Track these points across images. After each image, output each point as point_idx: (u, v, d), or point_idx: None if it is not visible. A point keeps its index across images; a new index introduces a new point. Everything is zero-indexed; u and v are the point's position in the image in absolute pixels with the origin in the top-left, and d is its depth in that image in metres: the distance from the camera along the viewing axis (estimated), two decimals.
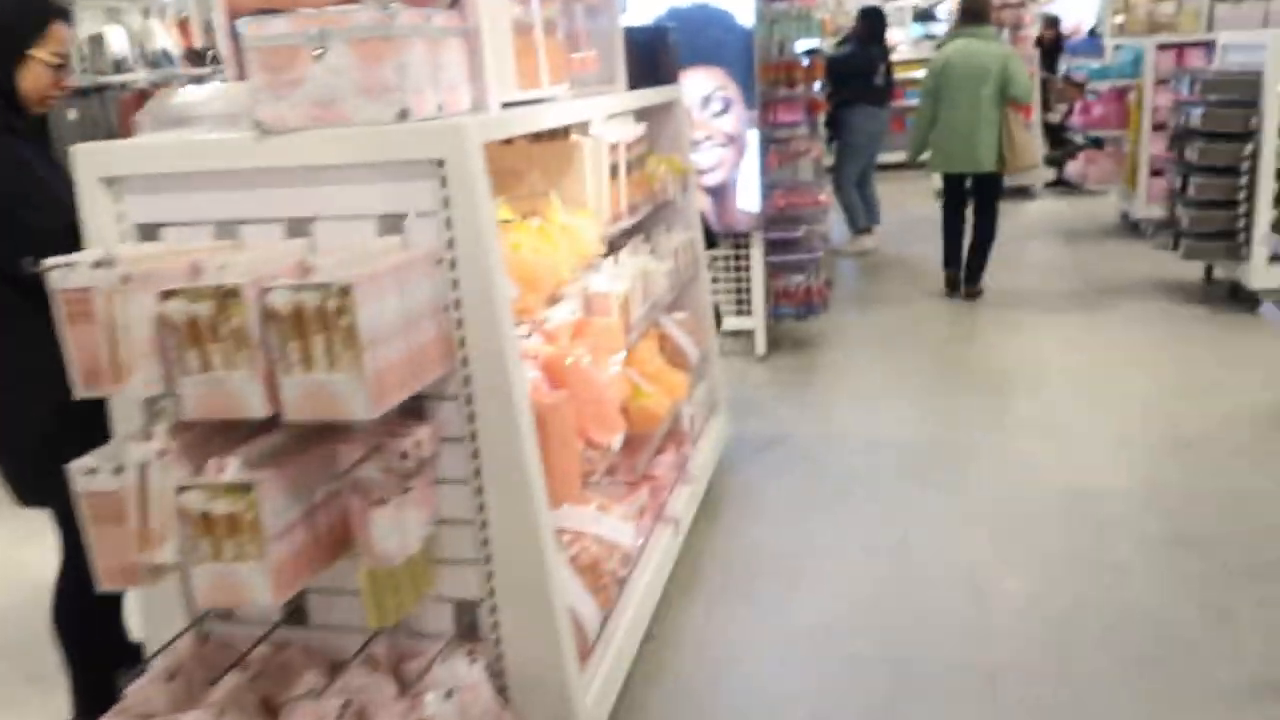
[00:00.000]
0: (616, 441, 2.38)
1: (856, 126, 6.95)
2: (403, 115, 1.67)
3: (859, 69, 6.86)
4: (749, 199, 4.77)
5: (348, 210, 1.75)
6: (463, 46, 1.92)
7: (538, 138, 2.45)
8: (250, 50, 1.68)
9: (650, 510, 2.73)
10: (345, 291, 1.46)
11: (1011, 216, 6.49)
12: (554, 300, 2.31)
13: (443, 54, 1.82)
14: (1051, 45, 10.26)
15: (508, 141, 2.44)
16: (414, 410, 1.79)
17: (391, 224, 1.74)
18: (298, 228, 1.78)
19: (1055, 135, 9.52)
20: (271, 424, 1.62)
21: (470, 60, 1.95)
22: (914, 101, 10.77)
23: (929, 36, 13.88)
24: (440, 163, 1.67)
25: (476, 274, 1.72)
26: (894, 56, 7.88)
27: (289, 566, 1.61)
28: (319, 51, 1.65)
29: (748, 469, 3.72)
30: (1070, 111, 8.99)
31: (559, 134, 2.50)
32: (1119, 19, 8.45)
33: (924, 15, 15.22)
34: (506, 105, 2.02)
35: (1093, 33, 11.11)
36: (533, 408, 1.84)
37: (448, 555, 1.87)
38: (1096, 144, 8.26)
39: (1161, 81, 6.80)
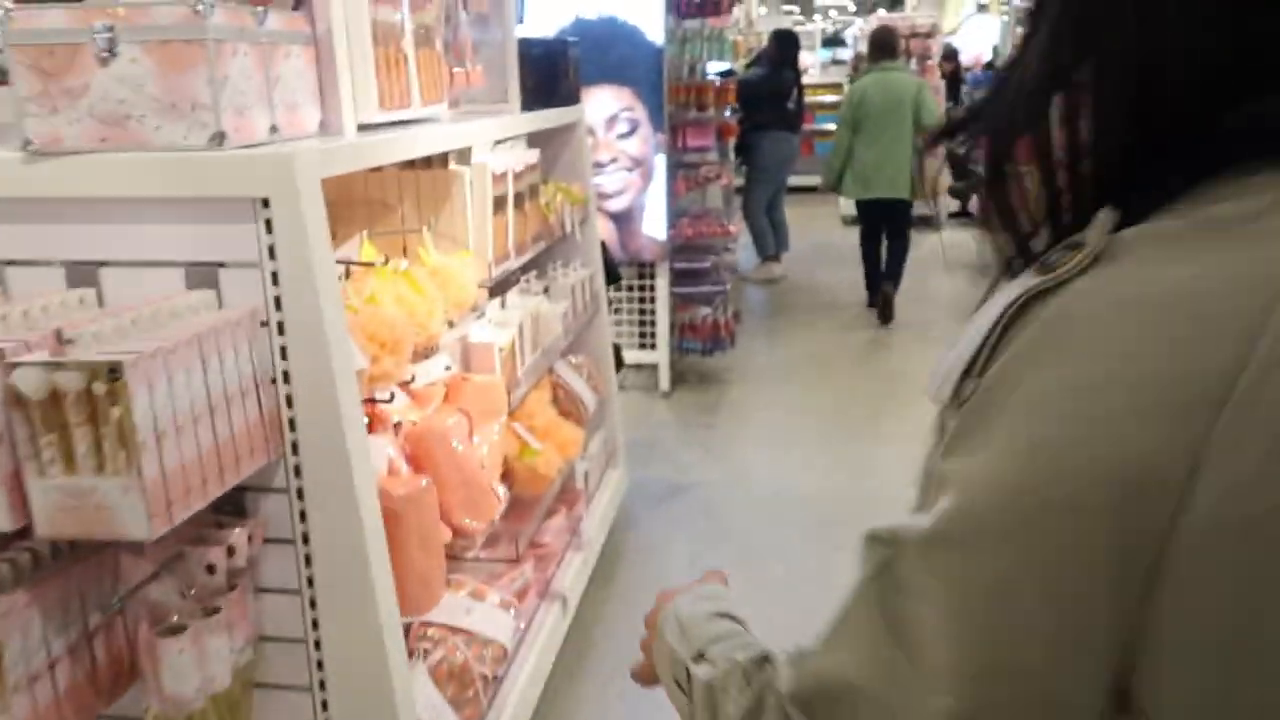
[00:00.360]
0: (498, 512, 2.06)
1: (768, 151, 6.78)
2: (217, 140, 1.32)
3: (772, 93, 6.69)
4: (655, 226, 4.51)
5: (146, 255, 1.38)
6: (308, 56, 1.58)
7: (411, 165, 2.11)
8: (16, 47, 1.30)
9: (535, 587, 2.41)
10: (115, 373, 1.11)
11: (917, 245, 6.44)
12: (426, 352, 1.98)
13: (279, 65, 1.48)
14: (951, 77, 10.37)
15: (377, 167, 2.10)
16: (230, 505, 1.44)
17: (204, 275, 1.38)
18: (82, 274, 1.41)
19: (959, 166, 9.57)
20: (26, 532, 1.25)
21: (319, 73, 1.61)
22: (824, 126, 10.84)
23: (836, 62, 14.03)
24: (265, 202, 1.33)
25: (310, 339, 1.38)
26: (804, 80, 7.76)
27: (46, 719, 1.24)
28: (106, 54, 1.29)
29: (646, 524, 3.43)
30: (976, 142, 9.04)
31: (436, 161, 2.17)
32: None
33: (833, 40, 15.39)
34: (365, 128, 1.69)
35: (990, 65, 11.32)
36: (383, 500, 1.51)
37: (271, 680, 1.52)
38: None
39: None
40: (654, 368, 4.78)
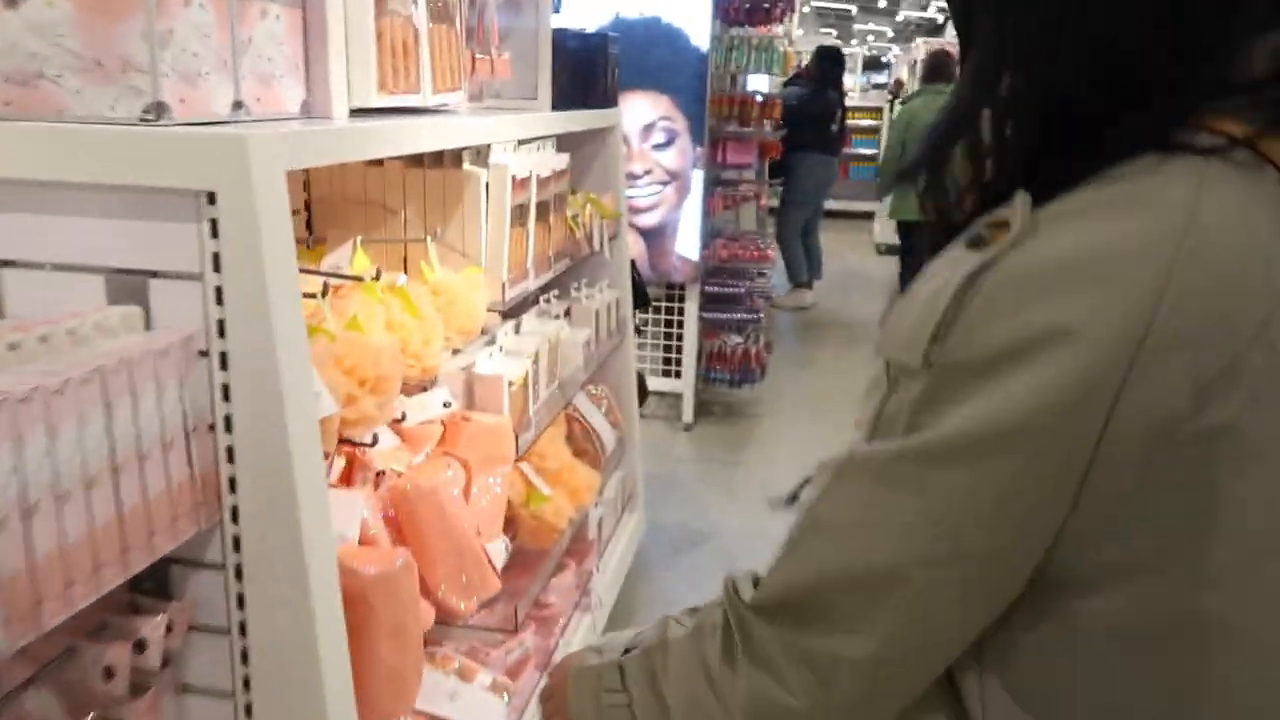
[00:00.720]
0: (493, 590, 1.73)
1: (807, 173, 6.46)
2: (153, 112, 1.02)
3: (816, 113, 6.37)
4: (688, 245, 4.20)
5: (59, 257, 1.08)
6: (292, 19, 1.27)
7: (417, 162, 1.80)
8: None
9: (535, 658, 2.08)
10: None
11: None
12: (423, 384, 1.66)
13: (252, 25, 1.18)
14: None
15: (377, 162, 1.80)
16: (151, 581, 1.13)
17: (129, 287, 1.07)
18: None
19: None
20: None
21: (306, 42, 1.31)
22: (862, 150, 10.60)
23: (876, 86, 13.77)
24: (210, 197, 1.02)
25: (261, 376, 1.07)
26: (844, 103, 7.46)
27: None
28: None
29: (661, 576, 3.10)
30: None
31: (448, 159, 1.86)
32: None
33: (873, 64, 15.14)
34: (359, 113, 1.38)
35: None
36: (347, 580, 1.19)
37: None
38: None
39: None
40: (677, 397, 4.46)
